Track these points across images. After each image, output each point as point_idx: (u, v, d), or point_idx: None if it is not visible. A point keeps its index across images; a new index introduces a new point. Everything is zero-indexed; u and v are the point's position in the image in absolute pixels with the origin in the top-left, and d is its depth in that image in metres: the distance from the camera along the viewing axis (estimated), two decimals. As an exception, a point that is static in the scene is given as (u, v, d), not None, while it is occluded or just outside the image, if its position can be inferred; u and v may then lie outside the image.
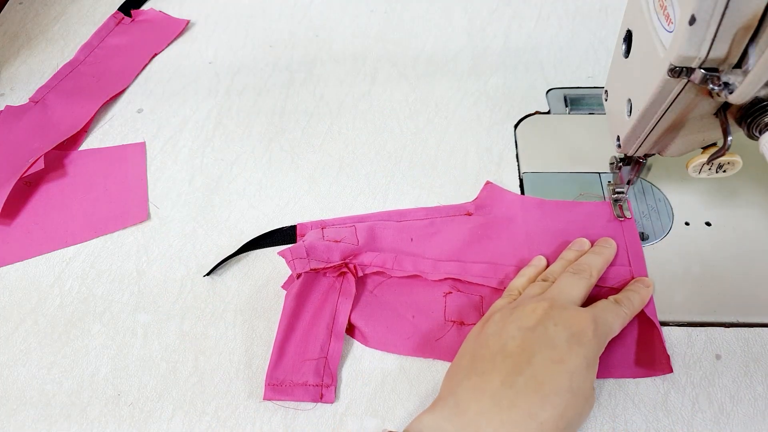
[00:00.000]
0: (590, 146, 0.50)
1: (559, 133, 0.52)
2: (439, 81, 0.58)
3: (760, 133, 0.31)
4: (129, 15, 0.67)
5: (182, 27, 0.66)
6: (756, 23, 0.26)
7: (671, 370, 0.38)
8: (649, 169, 0.47)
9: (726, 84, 0.28)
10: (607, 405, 0.37)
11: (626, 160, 0.43)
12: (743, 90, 0.27)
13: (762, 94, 0.30)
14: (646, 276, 0.41)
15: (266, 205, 0.49)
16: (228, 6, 0.69)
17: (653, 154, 0.40)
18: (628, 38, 0.35)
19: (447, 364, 0.39)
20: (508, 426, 0.30)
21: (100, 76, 0.61)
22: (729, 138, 0.32)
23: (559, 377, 0.32)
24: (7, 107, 0.58)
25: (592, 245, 0.42)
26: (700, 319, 0.40)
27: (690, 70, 0.29)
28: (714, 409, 0.36)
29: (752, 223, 0.44)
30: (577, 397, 0.32)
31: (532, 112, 0.54)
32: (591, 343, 0.33)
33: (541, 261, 0.42)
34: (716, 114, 0.33)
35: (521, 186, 0.49)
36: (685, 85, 0.31)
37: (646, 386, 0.37)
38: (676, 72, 0.29)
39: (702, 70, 0.29)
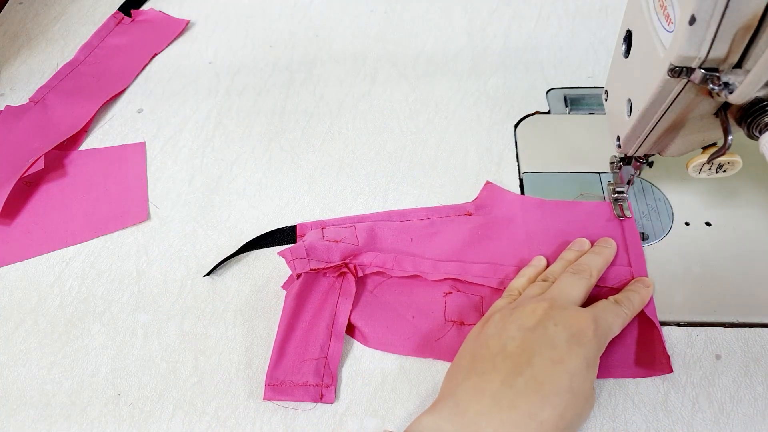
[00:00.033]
0: (590, 146, 0.50)
1: (559, 133, 0.52)
2: (439, 81, 0.58)
3: (760, 133, 0.31)
4: (129, 15, 0.67)
5: (182, 27, 0.66)
6: (756, 23, 0.26)
7: (671, 370, 0.38)
8: (650, 165, 0.47)
9: (726, 84, 0.28)
10: (607, 405, 0.37)
11: (626, 160, 0.43)
12: (743, 90, 0.27)
13: (762, 94, 0.30)
14: (646, 276, 0.41)
15: (266, 205, 0.49)
16: (228, 6, 0.69)
17: (653, 154, 0.40)
18: (628, 38, 0.35)
19: (447, 364, 0.39)
20: (508, 426, 0.30)
21: (100, 76, 0.61)
22: (729, 138, 0.32)
23: (559, 377, 0.32)
24: (7, 107, 0.58)
25: (592, 245, 0.42)
26: (700, 319, 0.40)
27: (690, 70, 0.29)
28: (714, 409, 0.36)
29: (752, 223, 0.44)
30: (577, 397, 0.32)
31: (532, 112, 0.54)
32: (591, 343, 0.33)
33: (541, 261, 0.42)
34: (716, 114, 0.33)
35: (521, 186, 0.49)
36: (685, 85, 0.31)
37: (646, 386, 0.37)
38: (676, 72, 0.29)
39: (702, 70, 0.29)
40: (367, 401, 0.38)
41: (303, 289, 0.42)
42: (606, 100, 0.41)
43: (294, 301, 0.41)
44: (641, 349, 0.39)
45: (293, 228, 0.47)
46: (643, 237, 0.44)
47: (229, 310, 0.43)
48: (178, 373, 0.40)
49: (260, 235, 0.46)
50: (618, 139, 0.39)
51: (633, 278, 0.41)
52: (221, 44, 0.64)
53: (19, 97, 0.60)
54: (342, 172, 0.51)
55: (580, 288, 0.37)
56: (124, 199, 0.50)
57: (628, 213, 0.44)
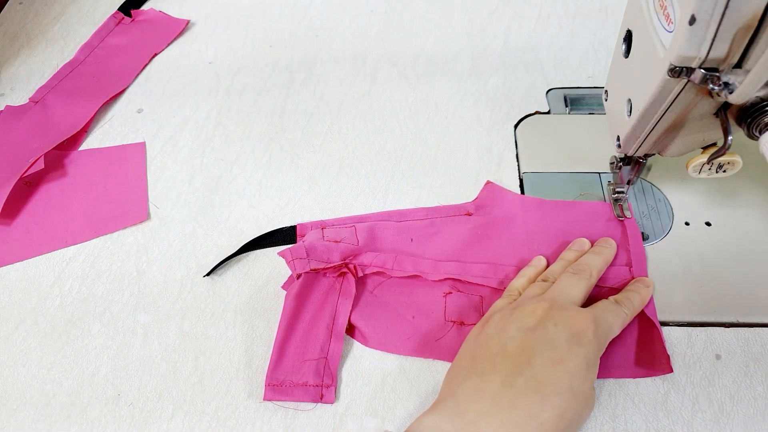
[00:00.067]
0: (590, 146, 0.50)
1: (559, 133, 0.52)
2: (439, 81, 0.58)
3: (760, 133, 0.31)
4: (129, 15, 0.67)
5: (182, 27, 0.66)
6: (756, 23, 0.26)
7: (671, 370, 0.38)
8: (649, 169, 0.47)
9: (726, 84, 0.28)
10: (607, 405, 0.37)
11: (626, 160, 0.43)
12: (743, 90, 0.27)
13: (762, 94, 0.30)
14: (647, 276, 0.41)
15: (266, 205, 0.49)
16: (228, 6, 0.69)
17: (653, 154, 0.40)
18: (628, 38, 0.35)
19: (447, 365, 0.39)
20: (508, 426, 0.30)
21: (100, 76, 0.61)
22: (729, 138, 0.32)
23: (559, 378, 0.32)
24: (7, 107, 0.58)
25: (592, 245, 0.42)
26: (700, 319, 0.40)
27: (690, 70, 0.29)
28: (714, 409, 0.36)
29: (752, 223, 0.44)
30: (577, 397, 0.32)
31: (532, 112, 0.54)
32: (591, 343, 0.33)
33: (541, 261, 0.42)
34: (716, 114, 0.33)
35: (521, 186, 0.49)
36: (685, 85, 0.31)
37: (646, 386, 0.37)
38: (676, 72, 0.29)
39: (702, 70, 0.29)
40: (367, 401, 0.38)
41: (303, 289, 0.42)
42: (606, 100, 0.41)
43: (294, 302, 0.41)
44: (641, 349, 0.39)
45: (293, 228, 0.47)
46: (643, 237, 0.44)
47: (229, 310, 0.43)
48: (178, 373, 0.40)
49: (260, 236, 0.46)
50: (618, 139, 0.39)
51: (633, 278, 0.41)
52: (221, 44, 0.64)
53: (19, 97, 0.60)
54: (342, 172, 0.51)
55: (580, 288, 0.37)
56: (124, 199, 0.50)
57: (627, 213, 0.44)
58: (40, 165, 0.51)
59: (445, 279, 0.42)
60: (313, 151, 0.53)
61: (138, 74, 0.61)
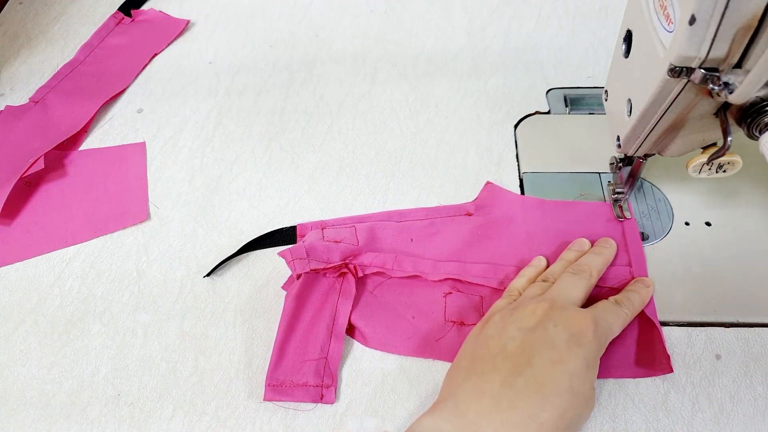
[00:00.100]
0: (590, 146, 0.50)
1: (559, 133, 0.52)
2: (439, 81, 0.58)
3: (760, 133, 0.31)
4: (129, 15, 0.67)
5: (182, 27, 0.66)
6: (756, 23, 0.26)
7: (671, 370, 0.38)
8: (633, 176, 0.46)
9: (726, 84, 0.28)
10: (607, 405, 0.37)
11: (626, 160, 0.43)
12: (743, 90, 0.27)
13: (762, 94, 0.30)
14: (647, 276, 0.41)
15: (266, 205, 0.49)
16: (228, 6, 0.69)
17: (653, 154, 0.40)
18: (628, 38, 0.35)
19: (447, 365, 0.39)
20: (508, 427, 0.30)
21: (100, 76, 0.61)
22: (729, 138, 0.32)
23: (559, 378, 0.32)
24: (7, 107, 0.58)
25: (592, 245, 0.42)
26: (700, 319, 0.40)
27: (690, 70, 0.29)
28: (714, 409, 0.36)
29: (752, 223, 0.44)
30: (577, 397, 0.32)
31: (532, 112, 0.54)
32: (591, 343, 0.33)
33: (541, 261, 0.42)
34: (716, 114, 0.33)
35: (521, 186, 0.49)
36: (685, 85, 0.31)
37: (646, 386, 0.37)
38: (676, 72, 0.29)
39: (702, 70, 0.29)
40: (367, 401, 0.38)
41: (303, 289, 0.42)
42: (606, 100, 0.41)
43: (294, 302, 0.41)
44: (641, 349, 0.39)
45: (293, 228, 0.47)
46: (643, 237, 0.44)
47: (229, 310, 0.43)
48: (178, 373, 0.40)
49: (260, 236, 0.46)
50: (618, 139, 0.39)
51: (633, 278, 0.41)
52: (221, 44, 0.64)
53: (19, 97, 0.60)
54: (342, 172, 0.51)
55: (580, 288, 0.37)
56: (124, 199, 0.50)
57: (627, 214, 0.44)
58: (40, 165, 0.51)
59: (445, 279, 0.42)
60: (313, 151, 0.53)
61: (138, 74, 0.61)
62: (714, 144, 0.36)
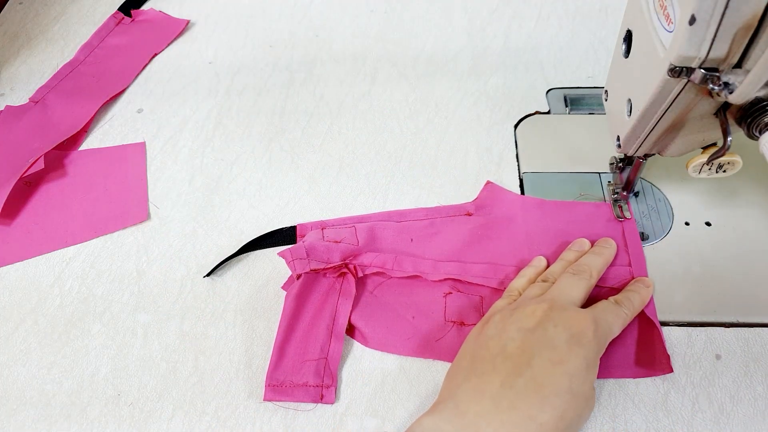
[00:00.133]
0: (590, 146, 0.50)
1: (559, 133, 0.52)
2: (439, 81, 0.58)
3: (760, 133, 0.31)
4: (129, 15, 0.67)
5: (182, 27, 0.66)
6: (756, 23, 0.26)
7: (671, 370, 0.38)
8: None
9: (726, 84, 0.28)
10: (607, 405, 0.37)
11: (626, 160, 0.43)
12: (743, 90, 0.27)
13: (762, 94, 0.30)
14: (647, 276, 0.41)
15: (266, 205, 0.49)
16: (228, 6, 0.69)
17: (653, 154, 0.40)
18: (628, 38, 0.35)
19: (447, 365, 0.39)
20: (508, 427, 0.30)
21: (100, 76, 0.61)
22: (729, 138, 0.32)
23: (559, 378, 0.32)
24: (7, 107, 0.58)
25: (592, 245, 0.42)
26: (700, 319, 0.40)
27: (690, 70, 0.29)
28: (714, 409, 0.36)
29: (752, 223, 0.44)
30: (577, 398, 0.32)
31: (532, 112, 0.54)
32: (591, 344, 0.33)
33: (541, 261, 0.42)
34: (716, 114, 0.33)
35: (521, 186, 0.49)
36: (685, 85, 0.31)
37: (646, 386, 0.37)
38: (676, 72, 0.29)
39: (702, 70, 0.29)
40: (367, 401, 0.38)
41: (303, 289, 0.42)
42: (606, 100, 0.41)
43: (294, 302, 0.41)
44: (641, 349, 0.39)
45: (293, 228, 0.47)
46: (643, 237, 0.44)
47: (229, 310, 0.43)
48: (178, 373, 0.40)
49: (260, 236, 0.46)
50: (618, 139, 0.39)
51: (633, 278, 0.41)
52: (221, 44, 0.64)
53: (19, 97, 0.60)
54: (342, 172, 0.51)
55: (580, 288, 0.37)
56: (124, 199, 0.50)
57: (627, 214, 0.44)
58: (40, 165, 0.51)
59: (445, 279, 0.42)
60: (313, 151, 0.53)
61: (138, 74, 0.61)
62: (714, 144, 0.36)
